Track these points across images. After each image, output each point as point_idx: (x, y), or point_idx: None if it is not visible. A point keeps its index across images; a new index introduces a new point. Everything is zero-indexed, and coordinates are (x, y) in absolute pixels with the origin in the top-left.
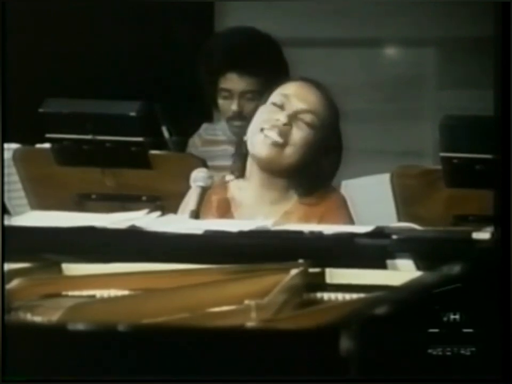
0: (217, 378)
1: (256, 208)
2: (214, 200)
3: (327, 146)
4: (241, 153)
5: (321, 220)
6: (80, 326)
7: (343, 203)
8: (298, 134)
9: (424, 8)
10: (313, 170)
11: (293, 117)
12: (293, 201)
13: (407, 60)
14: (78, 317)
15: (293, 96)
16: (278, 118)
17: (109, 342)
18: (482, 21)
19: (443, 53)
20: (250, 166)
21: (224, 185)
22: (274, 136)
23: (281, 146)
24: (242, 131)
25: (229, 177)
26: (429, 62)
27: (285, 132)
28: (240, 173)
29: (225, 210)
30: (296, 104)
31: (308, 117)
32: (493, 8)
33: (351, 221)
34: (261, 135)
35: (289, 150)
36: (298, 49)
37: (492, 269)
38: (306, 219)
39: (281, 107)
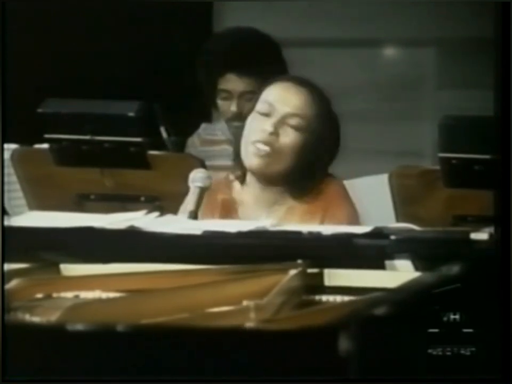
0: (217, 378)
1: (259, 209)
2: (219, 199)
3: (320, 144)
4: (240, 160)
5: (326, 212)
6: (79, 326)
7: (344, 191)
8: (286, 140)
9: (424, 8)
10: (307, 171)
11: (279, 123)
12: (287, 204)
13: (407, 60)
14: (77, 317)
15: (277, 102)
16: (264, 127)
17: (107, 342)
18: (481, 21)
19: (442, 53)
20: (249, 173)
21: (228, 184)
22: (262, 147)
23: (270, 155)
24: (238, 134)
25: (232, 176)
26: (428, 62)
27: (271, 141)
28: (241, 179)
29: (231, 209)
30: (281, 110)
31: (294, 121)
32: (493, 8)
33: (354, 208)
34: (251, 147)
35: (278, 158)
36: (297, 49)
37: (491, 269)
38: (310, 213)
39: (267, 115)
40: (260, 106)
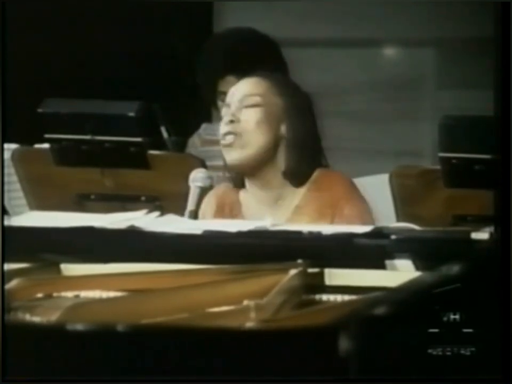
0: (216, 378)
1: (264, 208)
2: (226, 204)
3: (289, 115)
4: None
5: (335, 209)
6: (79, 326)
7: (352, 186)
8: (247, 119)
9: (424, 8)
10: (290, 150)
11: (237, 110)
12: (301, 194)
13: (406, 60)
14: (77, 317)
15: (230, 97)
16: (224, 120)
17: (108, 342)
18: (481, 21)
19: (442, 53)
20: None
21: (233, 190)
22: (227, 137)
23: (237, 141)
24: None
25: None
26: (428, 62)
27: (234, 128)
28: (240, 184)
29: (237, 213)
30: (235, 98)
31: (249, 100)
32: (493, 8)
33: (365, 203)
34: (222, 143)
35: (247, 140)
36: (297, 49)
37: (491, 269)
38: (319, 210)
39: (227, 105)
40: (222, 112)
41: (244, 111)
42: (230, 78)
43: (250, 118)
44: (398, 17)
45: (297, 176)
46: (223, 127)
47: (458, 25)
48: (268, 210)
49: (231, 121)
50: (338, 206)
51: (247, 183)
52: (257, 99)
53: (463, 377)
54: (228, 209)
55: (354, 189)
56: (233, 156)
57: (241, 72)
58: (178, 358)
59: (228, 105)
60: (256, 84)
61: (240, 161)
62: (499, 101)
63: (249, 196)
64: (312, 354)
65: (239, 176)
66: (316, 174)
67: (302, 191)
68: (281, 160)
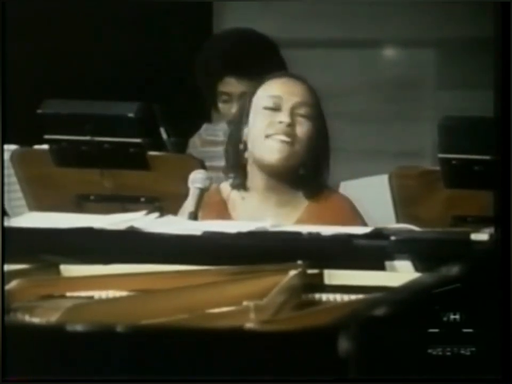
0: (216, 379)
1: (261, 211)
2: (212, 206)
3: (320, 136)
4: (239, 165)
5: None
6: (79, 327)
7: (353, 208)
8: (302, 129)
9: (424, 9)
10: (313, 165)
11: (292, 114)
12: (302, 208)
13: (407, 60)
14: (77, 318)
15: (283, 94)
16: (280, 119)
17: (107, 343)
18: (481, 21)
19: (442, 53)
20: (253, 173)
21: (218, 189)
22: (283, 138)
23: (291, 146)
24: (234, 139)
25: (225, 183)
26: (428, 63)
27: (291, 132)
28: (243, 185)
29: (224, 213)
30: (290, 100)
31: (303, 110)
32: (493, 8)
33: (365, 224)
34: (269, 141)
35: (298, 149)
36: (297, 50)
37: (491, 269)
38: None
39: (276, 109)
40: (266, 101)
41: (298, 118)
42: (230, 79)
43: (305, 130)
44: (398, 18)
45: (312, 187)
46: (277, 125)
47: (459, 25)
48: (265, 213)
49: (289, 125)
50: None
51: (254, 184)
52: (309, 111)
53: (463, 377)
54: (214, 209)
55: (355, 212)
56: (276, 157)
57: (241, 72)
58: (178, 358)
59: (280, 100)
60: (309, 93)
61: (279, 166)
62: (499, 101)
63: (242, 198)
64: (312, 355)
65: (243, 178)
66: (318, 192)
67: (303, 206)
68: (308, 168)
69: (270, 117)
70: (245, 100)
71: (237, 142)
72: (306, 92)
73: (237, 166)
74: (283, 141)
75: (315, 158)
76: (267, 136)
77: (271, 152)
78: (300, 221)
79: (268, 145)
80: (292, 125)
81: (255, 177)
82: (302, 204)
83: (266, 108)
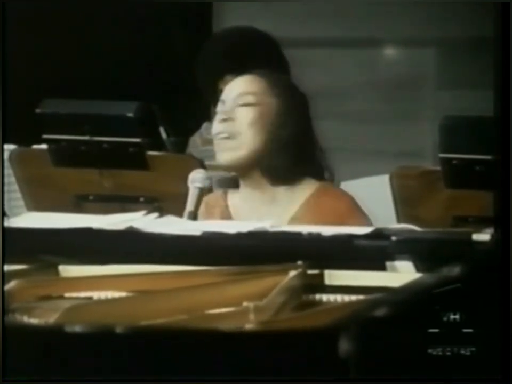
0: (216, 380)
1: (258, 209)
2: (216, 212)
3: (284, 115)
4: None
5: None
6: (77, 328)
7: (354, 203)
8: (242, 118)
9: (424, 8)
10: (281, 153)
11: (232, 108)
12: (297, 205)
13: (407, 60)
14: (76, 318)
15: (226, 93)
16: (218, 118)
17: (106, 344)
18: (482, 20)
19: (443, 53)
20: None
21: (224, 195)
22: (221, 136)
23: (232, 140)
24: None
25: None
26: (429, 62)
27: (228, 127)
28: (235, 185)
29: (227, 218)
30: (230, 95)
31: (244, 99)
32: (493, 8)
33: (367, 219)
34: (215, 143)
35: (241, 139)
36: (297, 49)
37: (492, 269)
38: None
39: (220, 111)
40: (217, 109)
41: (238, 109)
42: (230, 77)
43: (244, 118)
44: (398, 17)
45: (276, 175)
46: (216, 126)
47: (459, 25)
48: (262, 211)
49: (225, 120)
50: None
51: (241, 184)
52: (251, 98)
53: (463, 377)
54: (217, 215)
55: (357, 208)
56: (225, 157)
57: (241, 71)
58: (177, 360)
59: (223, 102)
60: (252, 82)
61: (233, 162)
62: (498, 101)
63: (240, 198)
64: (312, 355)
65: (234, 177)
66: (317, 187)
67: (299, 202)
68: (271, 154)
69: (215, 120)
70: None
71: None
72: (249, 82)
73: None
74: (223, 138)
75: (274, 145)
76: (215, 137)
77: (218, 154)
78: (295, 218)
79: (215, 145)
80: (229, 119)
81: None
82: (298, 200)
83: (216, 112)
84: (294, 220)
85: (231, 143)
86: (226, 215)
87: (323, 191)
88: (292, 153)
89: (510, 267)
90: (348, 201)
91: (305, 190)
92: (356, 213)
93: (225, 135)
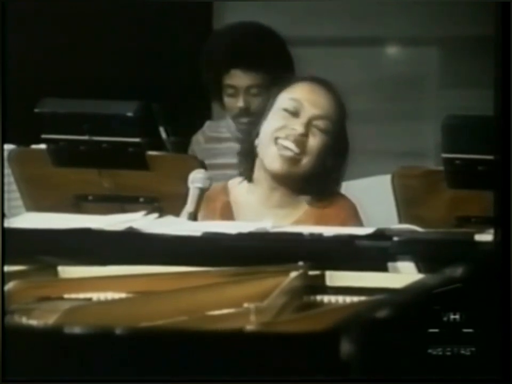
0: (217, 380)
1: (262, 210)
2: (217, 207)
3: (337, 148)
4: (250, 157)
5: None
6: (77, 329)
7: (354, 211)
8: (314, 142)
9: (426, 7)
10: (323, 174)
11: (308, 125)
12: (302, 209)
13: (409, 59)
14: (75, 320)
15: (305, 101)
16: (294, 127)
17: (106, 345)
18: (484, 19)
19: (445, 52)
20: (259, 170)
21: (225, 189)
22: (291, 146)
23: (297, 157)
24: (250, 130)
25: (233, 181)
26: (431, 62)
27: (302, 142)
28: (249, 176)
29: (230, 214)
30: (310, 111)
31: (322, 123)
32: (493, 8)
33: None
34: (275, 147)
35: (305, 160)
36: (299, 48)
37: (492, 269)
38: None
39: (294, 114)
40: (287, 103)
41: (313, 130)
42: (236, 71)
43: (317, 144)
44: (400, 16)
45: (311, 195)
46: (288, 131)
47: (462, 23)
48: (266, 212)
49: (301, 135)
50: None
51: (260, 179)
52: (327, 125)
53: (463, 377)
54: (218, 210)
55: (356, 216)
56: (282, 167)
57: (247, 65)
58: (178, 361)
59: (301, 106)
60: (328, 103)
61: (286, 173)
62: (499, 100)
63: (245, 197)
64: (312, 357)
65: (251, 170)
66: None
67: (303, 208)
68: (316, 176)
69: (285, 119)
70: (272, 96)
71: (253, 134)
72: (330, 105)
73: (248, 156)
74: (290, 150)
75: (325, 171)
76: (276, 139)
77: (272, 160)
78: (297, 222)
79: (273, 150)
80: (304, 135)
81: (260, 174)
82: (302, 206)
83: (285, 110)
84: (297, 223)
85: (295, 157)
86: (227, 210)
87: (328, 198)
88: (330, 179)
89: (510, 267)
90: (351, 211)
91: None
92: (355, 221)
93: (293, 145)
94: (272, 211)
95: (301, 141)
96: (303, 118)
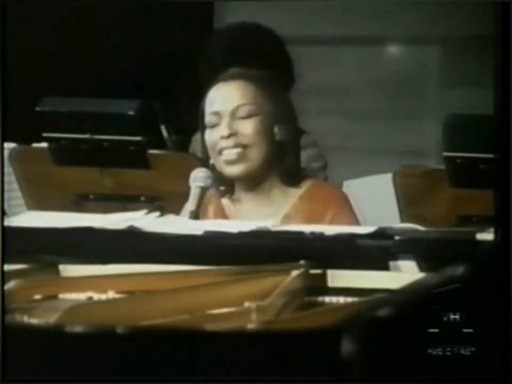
0: (217, 380)
1: (252, 209)
2: (209, 210)
3: (280, 122)
4: (219, 175)
5: (324, 222)
6: (78, 328)
7: (345, 199)
8: (248, 131)
9: (427, 7)
10: (281, 151)
11: (232, 122)
12: (291, 203)
13: (410, 58)
14: (76, 318)
15: (219, 106)
16: (221, 134)
17: (107, 344)
18: (485, 19)
19: (446, 51)
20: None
21: (216, 193)
22: (232, 151)
23: (241, 154)
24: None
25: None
26: (432, 61)
27: (235, 141)
28: (230, 190)
29: (221, 218)
30: (226, 109)
31: (243, 111)
32: (493, 8)
33: (355, 217)
34: (222, 157)
35: (251, 152)
36: (300, 47)
37: (492, 269)
38: (308, 222)
39: (217, 124)
40: (207, 119)
41: (240, 122)
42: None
43: (248, 130)
44: (402, 16)
45: (293, 179)
46: (220, 141)
47: (463, 23)
48: (258, 212)
49: (229, 135)
50: (327, 220)
51: (237, 188)
52: (251, 108)
53: (463, 377)
54: (211, 213)
55: (347, 204)
56: (236, 170)
57: (245, 65)
58: (178, 360)
59: (219, 116)
60: (245, 91)
61: (245, 173)
62: (499, 100)
63: (234, 198)
64: (313, 356)
65: (228, 185)
66: (309, 184)
67: (292, 200)
68: (277, 165)
69: (214, 133)
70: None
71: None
72: (242, 91)
73: (218, 178)
74: (231, 156)
75: (282, 150)
76: (219, 152)
77: (227, 167)
78: (288, 216)
79: (223, 160)
80: (233, 134)
81: (237, 184)
82: (291, 198)
83: (208, 126)
84: (287, 217)
85: (240, 156)
86: (220, 213)
87: (315, 187)
88: (297, 155)
89: (510, 267)
90: (339, 197)
91: (299, 188)
92: (345, 209)
93: (232, 150)
94: (261, 209)
95: (233, 141)
96: (224, 119)
